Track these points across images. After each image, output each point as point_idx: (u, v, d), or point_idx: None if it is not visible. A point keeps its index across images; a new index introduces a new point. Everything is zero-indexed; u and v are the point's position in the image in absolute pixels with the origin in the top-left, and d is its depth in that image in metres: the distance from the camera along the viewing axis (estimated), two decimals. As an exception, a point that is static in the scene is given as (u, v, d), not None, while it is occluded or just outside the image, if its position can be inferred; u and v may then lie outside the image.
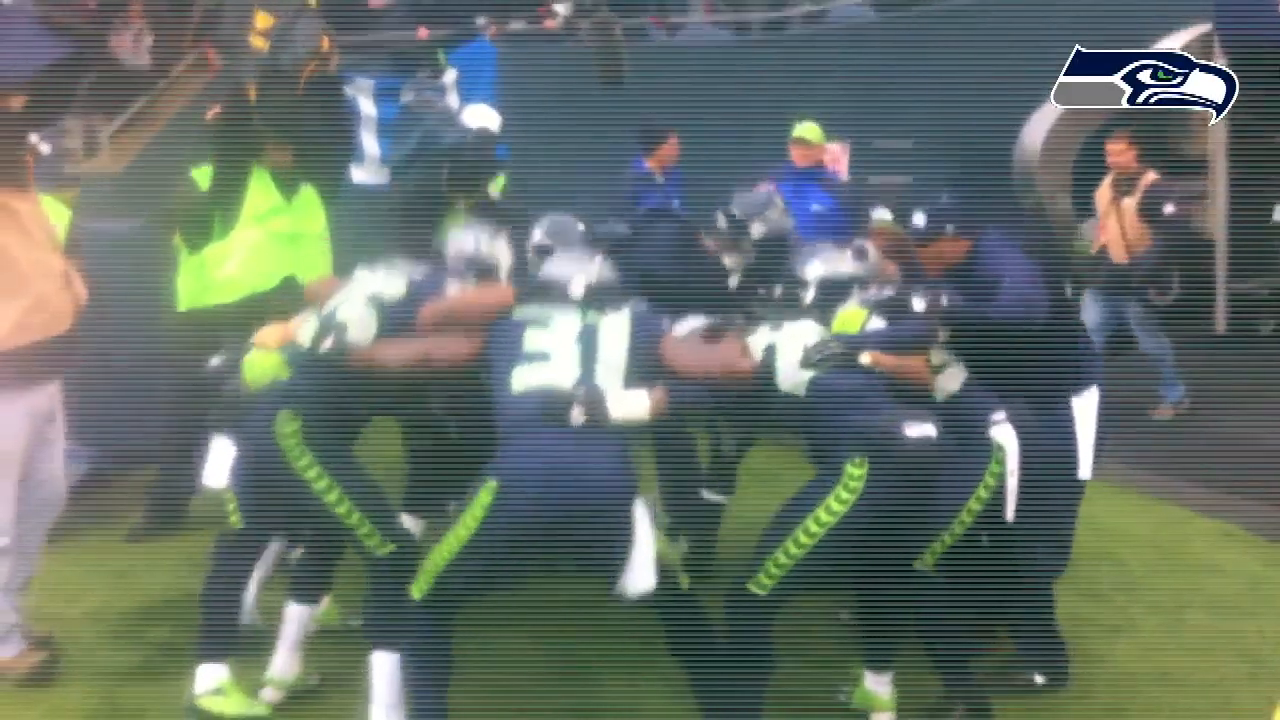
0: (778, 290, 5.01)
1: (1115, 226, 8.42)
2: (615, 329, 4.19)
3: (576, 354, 4.08)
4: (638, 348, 4.17)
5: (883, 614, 4.56)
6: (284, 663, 4.68)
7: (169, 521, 6.45)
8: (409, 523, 5.29)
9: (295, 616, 4.70)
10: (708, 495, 5.82)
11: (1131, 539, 6.54)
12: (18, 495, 4.78)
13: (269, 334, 4.56)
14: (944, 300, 4.50)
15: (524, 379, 4.04)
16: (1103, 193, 8.66)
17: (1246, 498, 7.14)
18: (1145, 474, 7.56)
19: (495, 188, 6.93)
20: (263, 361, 4.38)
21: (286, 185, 5.99)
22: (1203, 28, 10.49)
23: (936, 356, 4.58)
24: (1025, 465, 4.50)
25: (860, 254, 4.93)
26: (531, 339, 4.13)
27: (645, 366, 4.15)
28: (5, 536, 4.74)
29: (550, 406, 3.92)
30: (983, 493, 4.50)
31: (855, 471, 4.10)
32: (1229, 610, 5.62)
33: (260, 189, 5.83)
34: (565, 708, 4.70)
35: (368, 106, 9.12)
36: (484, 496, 3.87)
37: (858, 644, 4.71)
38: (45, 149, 6.04)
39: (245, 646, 4.68)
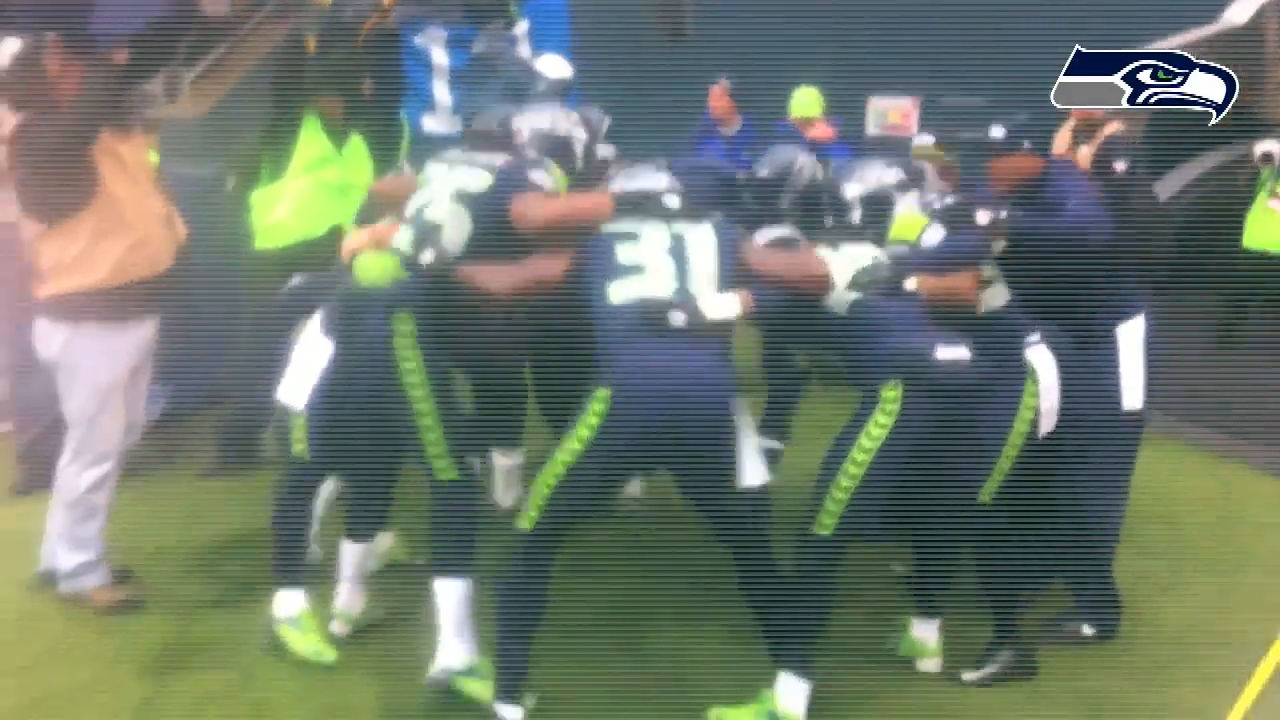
0: (828, 221, 5.02)
1: None
2: (702, 239, 4.24)
3: (670, 265, 4.14)
4: (724, 256, 4.23)
5: (937, 553, 4.67)
6: (348, 597, 4.84)
7: (241, 460, 6.65)
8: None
9: (351, 554, 4.83)
10: (763, 443, 5.89)
11: (1188, 499, 6.57)
12: (123, 423, 5.02)
13: (359, 238, 4.64)
14: (1005, 214, 4.51)
15: (622, 291, 4.09)
16: (1061, 139, 8.40)
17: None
18: (1203, 431, 7.58)
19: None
20: (379, 263, 4.38)
21: (337, 135, 6.11)
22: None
23: (987, 270, 4.58)
24: (1069, 392, 4.55)
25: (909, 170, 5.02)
26: (624, 252, 4.17)
27: (732, 273, 4.22)
28: (109, 462, 4.99)
29: (651, 313, 4.01)
30: (1026, 414, 4.50)
31: (890, 394, 4.20)
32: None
33: (311, 138, 5.95)
34: (617, 649, 4.83)
35: (440, 56, 9.22)
36: (596, 405, 3.95)
37: (908, 592, 4.82)
38: (133, 92, 6.20)
39: (315, 576, 4.86)
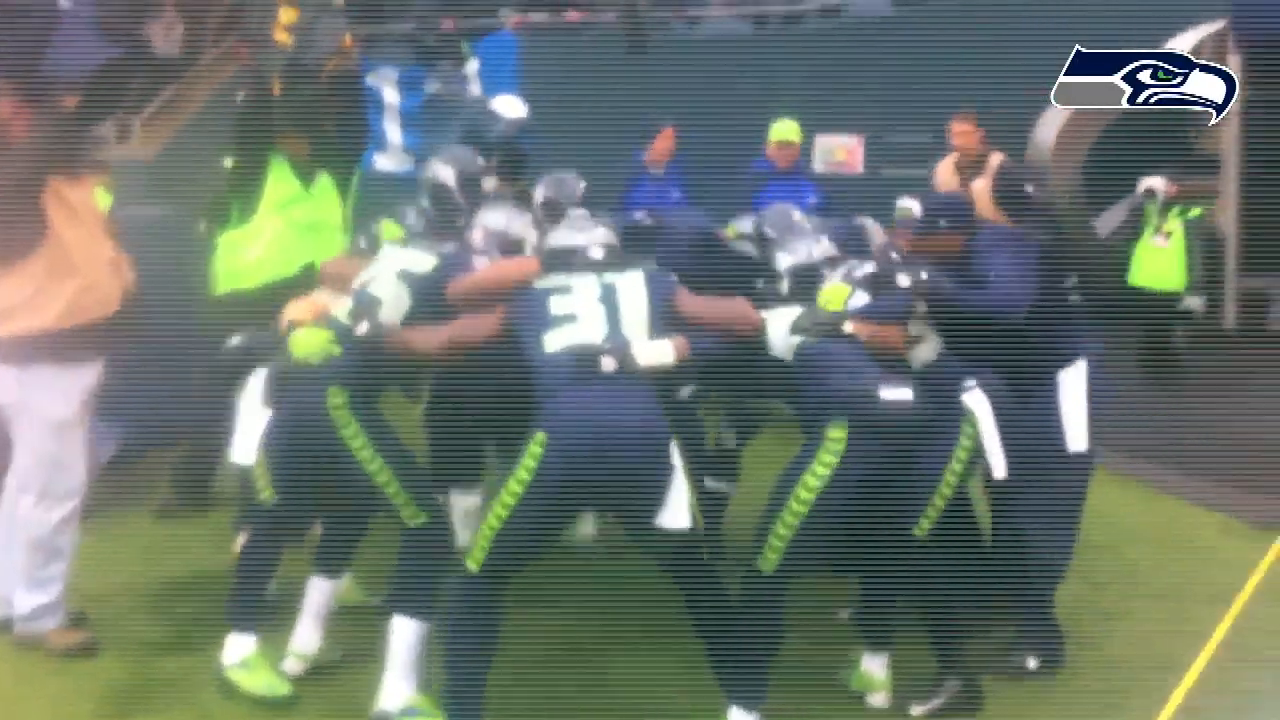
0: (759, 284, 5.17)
1: None
2: (632, 287, 4.36)
3: (602, 313, 4.25)
4: (655, 303, 4.34)
5: (879, 589, 4.76)
6: (306, 635, 4.85)
7: (195, 499, 6.65)
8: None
9: (319, 590, 4.86)
10: (710, 484, 5.92)
11: (1133, 530, 6.67)
12: (85, 460, 5.04)
13: (299, 310, 4.73)
14: (925, 277, 4.70)
15: (556, 340, 4.20)
16: (943, 173, 8.34)
17: (1248, 491, 7.24)
18: (1149, 466, 7.69)
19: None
20: (312, 338, 4.53)
21: (305, 174, 6.13)
22: (1215, 26, 10.55)
23: (915, 328, 4.76)
24: (1011, 436, 4.67)
25: (840, 236, 5.21)
26: (557, 304, 4.28)
27: (664, 320, 4.33)
28: (75, 499, 4.99)
29: (583, 359, 4.11)
30: (961, 454, 4.65)
31: (836, 434, 4.33)
32: (1224, 600, 5.73)
33: (280, 178, 5.93)
34: (573, 684, 4.86)
35: (391, 95, 9.30)
36: (534, 449, 4.03)
37: (857, 626, 4.90)
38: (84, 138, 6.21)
39: (270, 617, 4.85)
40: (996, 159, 7.87)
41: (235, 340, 4.98)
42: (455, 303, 4.55)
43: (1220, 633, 4.86)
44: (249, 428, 4.66)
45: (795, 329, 4.58)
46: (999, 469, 4.63)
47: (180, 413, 6.83)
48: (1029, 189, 5.37)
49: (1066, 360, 5.01)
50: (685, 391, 5.34)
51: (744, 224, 5.67)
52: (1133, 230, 9.99)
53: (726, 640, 4.31)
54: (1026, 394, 4.91)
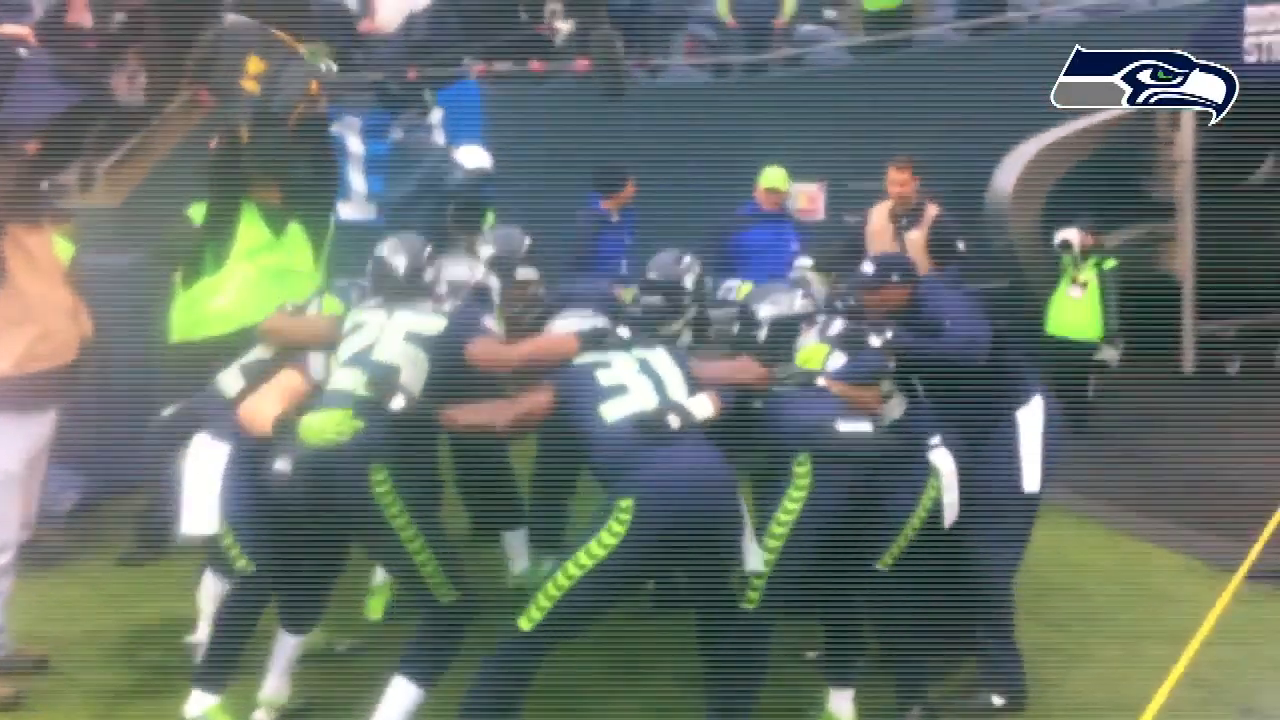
0: (688, 307, 5.25)
1: None
2: (661, 358, 4.55)
3: (647, 382, 4.41)
4: (682, 369, 4.55)
5: (842, 622, 4.87)
6: (276, 686, 4.82)
7: (157, 547, 6.62)
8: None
9: (287, 644, 4.84)
10: None
11: (1094, 571, 6.73)
12: (20, 512, 4.97)
13: (275, 400, 4.63)
14: (894, 336, 4.89)
15: (614, 411, 4.31)
16: (877, 219, 8.22)
17: (1207, 532, 7.31)
18: (1109, 508, 7.77)
19: (484, 224, 7.12)
20: (330, 420, 4.35)
21: (276, 222, 6.14)
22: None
23: (885, 386, 4.91)
24: (972, 478, 4.89)
25: (807, 290, 5.29)
26: (604, 377, 4.42)
27: (692, 385, 4.50)
28: (10, 551, 4.91)
29: (650, 423, 4.22)
30: (926, 503, 4.82)
31: (800, 470, 4.46)
32: (1186, 641, 5.78)
33: (251, 225, 5.94)
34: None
35: (355, 144, 9.33)
36: (620, 515, 4.07)
37: (823, 664, 4.94)
38: (44, 184, 6.20)
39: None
40: (933, 210, 7.88)
41: (168, 410, 4.98)
42: (484, 368, 4.63)
43: (1179, 671, 4.91)
44: (203, 493, 4.59)
45: (774, 381, 4.73)
46: (949, 516, 4.85)
47: (142, 461, 6.80)
48: (961, 245, 5.47)
49: (1023, 398, 5.09)
50: None
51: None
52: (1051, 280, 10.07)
53: (728, 680, 4.48)
54: (986, 435, 5.03)
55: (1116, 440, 9.10)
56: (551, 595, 4.12)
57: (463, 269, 5.16)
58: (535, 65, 10.84)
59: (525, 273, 5.72)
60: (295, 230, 6.19)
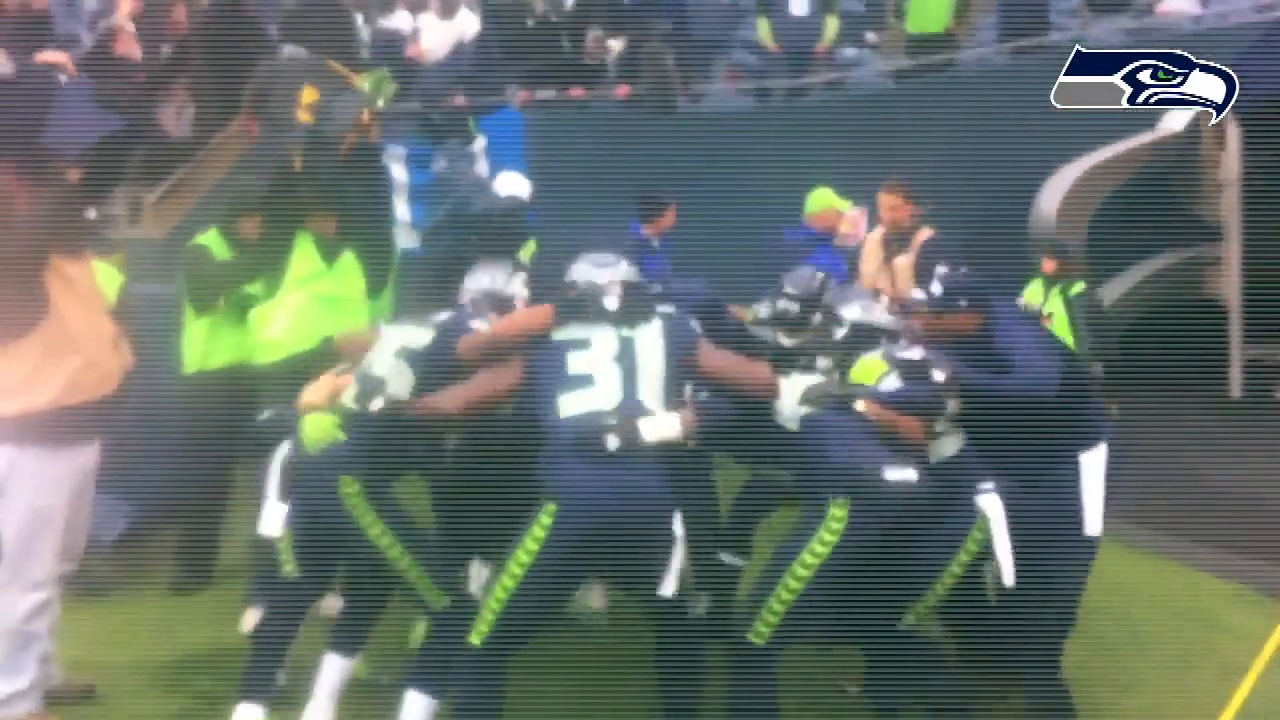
0: (815, 318, 5.21)
1: (887, 286, 7.75)
2: (651, 341, 4.39)
3: (618, 375, 4.28)
4: (673, 356, 4.38)
5: (881, 670, 4.75)
6: (320, 712, 4.82)
7: (199, 575, 6.69)
8: None
9: (334, 667, 4.85)
10: (726, 559, 5.90)
11: (1142, 598, 6.66)
12: (59, 549, 4.91)
13: (317, 391, 4.75)
14: (959, 374, 4.72)
15: (570, 404, 4.24)
16: (870, 246, 8.14)
17: (1257, 559, 7.22)
18: (1158, 535, 7.68)
19: (525, 253, 7.15)
20: (320, 423, 4.54)
21: (328, 251, 6.21)
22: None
23: (940, 424, 4.75)
24: (1029, 526, 4.68)
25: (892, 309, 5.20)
26: (574, 361, 4.31)
27: (681, 374, 4.39)
28: (46, 590, 4.84)
29: (592, 434, 4.12)
30: (964, 556, 4.62)
31: (838, 513, 4.32)
32: (1237, 670, 5.72)
33: (304, 254, 6.01)
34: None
35: (399, 173, 9.41)
36: (543, 519, 4.08)
37: (866, 699, 4.89)
38: (92, 214, 6.27)
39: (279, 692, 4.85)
40: (923, 235, 7.79)
41: (264, 414, 5.03)
42: (468, 359, 4.55)
43: (1237, 703, 4.84)
44: (275, 501, 4.70)
45: (805, 400, 4.60)
46: (1008, 577, 4.56)
47: (187, 489, 6.86)
48: (943, 269, 5.37)
49: (1089, 441, 5.00)
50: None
51: (762, 308, 5.59)
52: (1146, 297, 10.01)
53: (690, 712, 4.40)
54: (1047, 476, 4.93)
55: (1164, 466, 9.00)
56: (493, 606, 4.15)
57: (485, 278, 5.11)
58: (577, 92, 10.90)
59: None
60: (348, 259, 6.26)
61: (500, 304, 5.02)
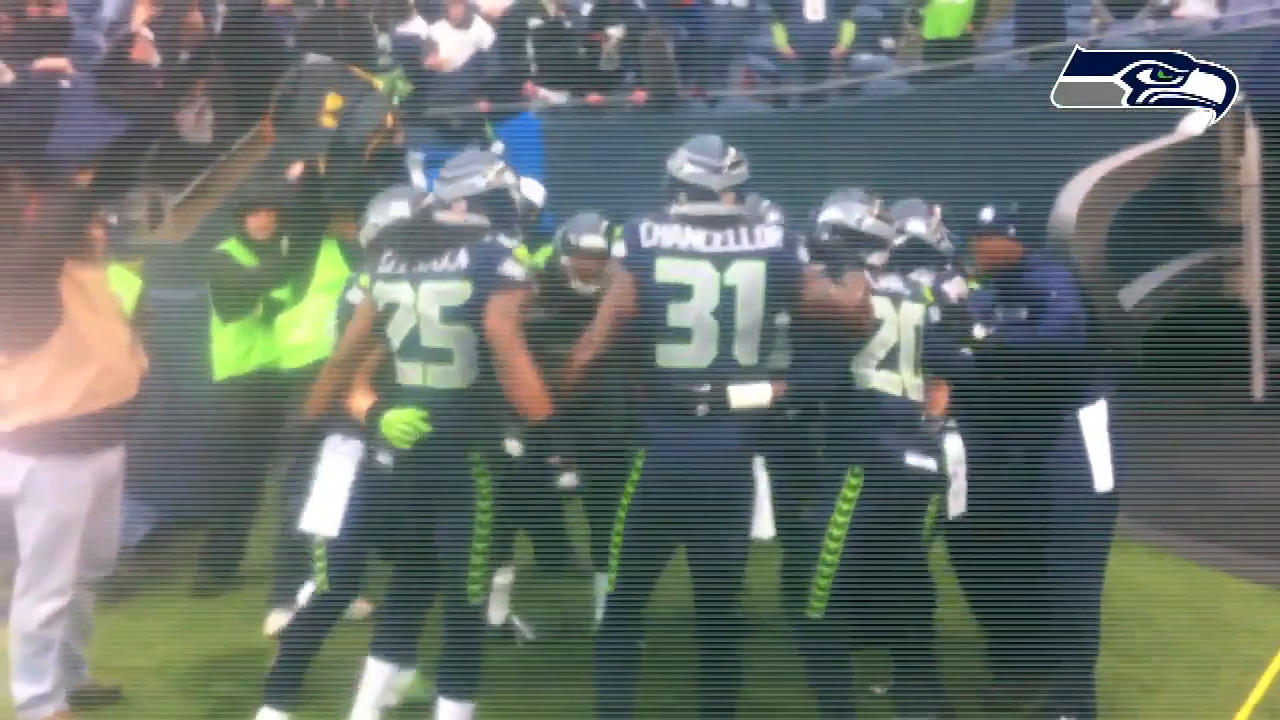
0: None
1: None
2: (753, 287, 4.27)
3: (715, 332, 4.25)
4: (774, 296, 4.31)
5: (912, 651, 4.85)
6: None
7: (223, 578, 6.71)
8: None
9: (379, 674, 4.67)
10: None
11: (1166, 600, 6.62)
12: (77, 557, 4.92)
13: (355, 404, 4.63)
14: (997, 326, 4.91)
15: (667, 357, 4.28)
16: None
17: (1280, 560, 7.22)
18: (1180, 537, 7.65)
19: (540, 257, 7.14)
20: (405, 419, 4.37)
21: (354, 255, 6.21)
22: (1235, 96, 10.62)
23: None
24: (1044, 486, 4.90)
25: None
26: (675, 314, 4.25)
27: (779, 310, 4.39)
28: (64, 598, 4.87)
29: (685, 395, 4.23)
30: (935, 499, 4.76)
31: (853, 480, 4.48)
32: (1261, 669, 5.69)
33: (329, 259, 6.01)
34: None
35: (418, 178, 9.41)
36: (638, 463, 4.31)
37: (895, 697, 4.92)
38: (113, 220, 6.29)
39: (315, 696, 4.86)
40: None
41: (296, 418, 5.02)
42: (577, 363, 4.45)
43: (1254, 699, 4.82)
44: (327, 498, 4.66)
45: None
46: (956, 507, 4.76)
47: (210, 492, 6.88)
48: None
49: (1087, 399, 5.02)
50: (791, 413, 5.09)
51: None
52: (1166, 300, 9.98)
53: (725, 691, 4.47)
54: (1051, 438, 4.97)
55: (1186, 468, 8.96)
56: (615, 554, 4.37)
57: (474, 180, 4.58)
58: (593, 98, 10.91)
59: (590, 240, 5.48)
60: None
61: (496, 202, 4.59)
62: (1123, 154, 10.74)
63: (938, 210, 5.36)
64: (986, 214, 5.21)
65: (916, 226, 5.19)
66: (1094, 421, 4.99)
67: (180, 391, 6.56)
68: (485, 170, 4.59)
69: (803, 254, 4.42)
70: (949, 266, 5.25)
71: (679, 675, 4.83)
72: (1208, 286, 10.99)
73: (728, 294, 4.25)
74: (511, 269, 4.38)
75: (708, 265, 4.27)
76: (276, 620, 5.99)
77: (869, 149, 10.61)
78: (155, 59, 7.93)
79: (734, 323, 4.26)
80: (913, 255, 5.08)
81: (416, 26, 11.72)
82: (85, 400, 4.78)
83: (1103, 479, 4.95)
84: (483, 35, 11.45)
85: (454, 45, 11.25)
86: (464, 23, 11.37)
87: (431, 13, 11.85)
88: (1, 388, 4.76)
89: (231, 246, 6.73)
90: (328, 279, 6.00)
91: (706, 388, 4.22)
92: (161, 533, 7.09)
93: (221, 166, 8.43)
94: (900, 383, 4.58)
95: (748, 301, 4.26)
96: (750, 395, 4.26)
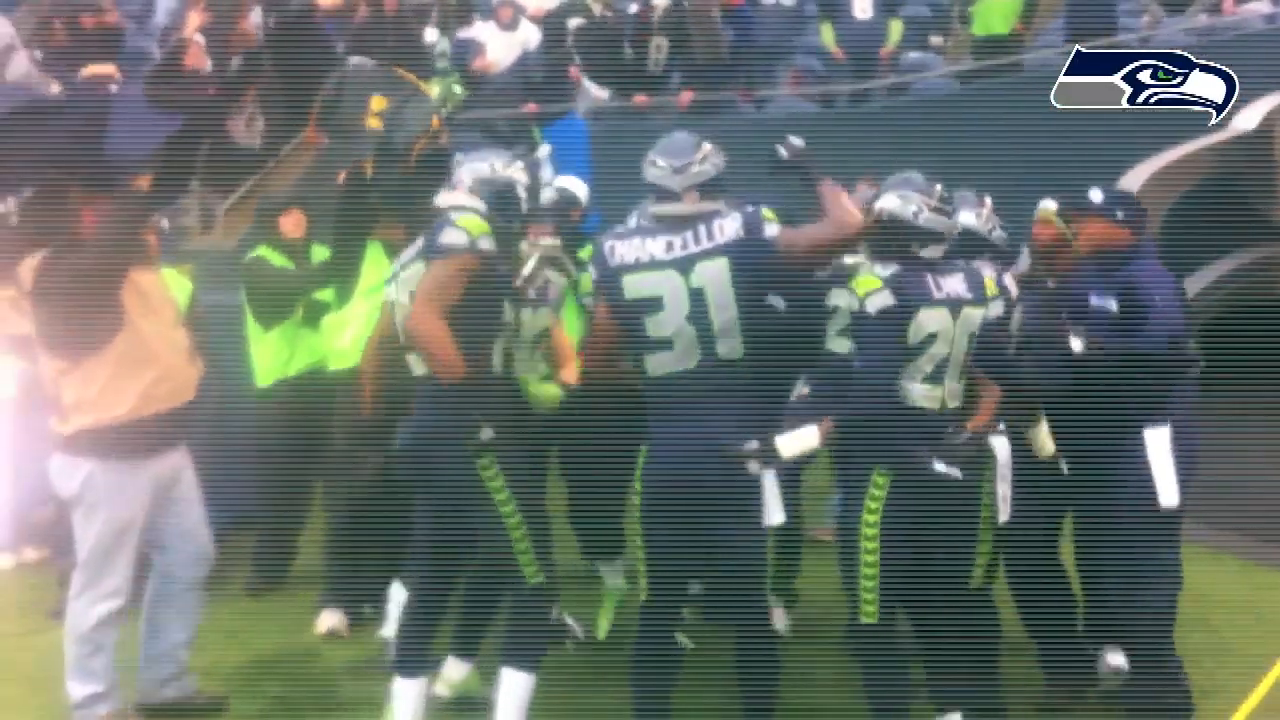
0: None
1: None
2: (719, 283, 4.26)
3: (694, 337, 4.27)
4: (744, 281, 4.28)
5: (943, 641, 4.78)
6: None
7: (274, 579, 6.75)
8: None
9: (406, 691, 4.75)
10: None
11: (1223, 603, 6.55)
12: (134, 560, 4.98)
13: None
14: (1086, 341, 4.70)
15: (655, 366, 4.32)
16: None
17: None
18: (1237, 537, 7.56)
19: (584, 254, 7.14)
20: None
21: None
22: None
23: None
24: (1107, 501, 4.84)
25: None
26: (652, 326, 4.28)
27: (759, 294, 4.42)
28: (119, 600, 4.92)
29: (684, 394, 4.30)
30: (987, 500, 4.71)
31: (880, 480, 4.41)
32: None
33: (374, 262, 6.04)
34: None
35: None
36: (641, 459, 4.37)
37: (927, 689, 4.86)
38: (165, 224, 6.33)
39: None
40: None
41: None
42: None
43: (1253, 701, 4.79)
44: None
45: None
46: (1004, 513, 4.67)
47: (261, 494, 6.92)
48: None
49: (1160, 419, 4.90)
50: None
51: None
52: (1218, 299, 9.88)
53: (763, 690, 4.47)
54: (1115, 451, 4.86)
55: (1239, 468, 8.85)
56: (641, 557, 4.42)
57: (485, 165, 4.74)
58: (640, 99, 10.90)
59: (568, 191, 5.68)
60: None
61: (500, 191, 4.72)
62: (1173, 151, 10.62)
63: (988, 200, 5.25)
64: (1095, 195, 5.02)
65: (967, 218, 5.09)
66: (1157, 439, 4.89)
67: (231, 394, 6.59)
68: (495, 160, 4.73)
69: (769, 230, 4.34)
70: (1003, 259, 5.16)
71: (721, 675, 4.84)
72: (1259, 285, 10.85)
73: (697, 297, 4.26)
74: (450, 237, 4.42)
75: (672, 273, 4.28)
76: (327, 620, 6.03)
77: (917, 148, 10.53)
78: (207, 65, 8.02)
79: (710, 324, 4.27)
80: (967, 248, 4.97)
81: (476, 31, 11.75)
82: (143, 404, 4.80)
83: (1168, 494, 4.85)
84: (529, 37, 11.47)
85: (501, 47, 11.28)
86: (511, 24, 11.39)
87: (480, 16, 11.89)
88: (61, 391, 4.79)
89: (264, 251, 6.75)
90: (373, 283, 6.02)
91: (755, 444, 4.22)
92: (215, 534, 7.10)
93: (271, 171, 8.48)
94: (941, 397, 4.51)
95: (719, 302, 4.27)
96: (799, 442, 4.28)
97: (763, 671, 4.48)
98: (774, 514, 4.34)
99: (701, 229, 4.33)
